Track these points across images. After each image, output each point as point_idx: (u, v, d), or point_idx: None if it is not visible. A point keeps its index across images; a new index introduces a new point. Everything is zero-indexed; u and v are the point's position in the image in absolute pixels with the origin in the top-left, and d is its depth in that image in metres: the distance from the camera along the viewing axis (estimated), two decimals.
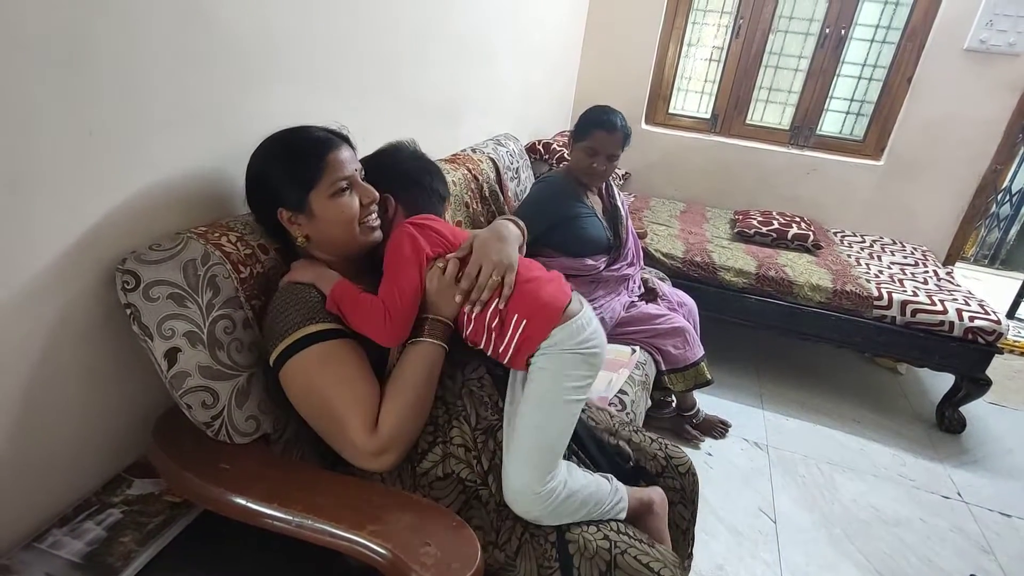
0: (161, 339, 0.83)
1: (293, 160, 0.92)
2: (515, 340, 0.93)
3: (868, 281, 2.29)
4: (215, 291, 0.89)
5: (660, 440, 1.18)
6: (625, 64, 3.22)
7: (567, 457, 1.01)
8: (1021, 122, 2.70)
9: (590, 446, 1.09)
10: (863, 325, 2.21)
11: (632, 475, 1.11)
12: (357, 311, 0.90)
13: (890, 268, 2.55)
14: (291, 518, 0.79)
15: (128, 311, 0.82)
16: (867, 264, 2.56)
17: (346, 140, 0.99)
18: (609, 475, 1.02)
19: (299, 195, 0.92)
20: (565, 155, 1.80)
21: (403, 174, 1.09)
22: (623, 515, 0.99)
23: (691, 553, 1.20)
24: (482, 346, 0.97)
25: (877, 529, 1.75)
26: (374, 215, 1.00)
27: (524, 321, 0.92)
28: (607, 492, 0.97)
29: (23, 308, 0.77)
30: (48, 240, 0.78)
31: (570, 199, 1.74)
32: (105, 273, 0.85)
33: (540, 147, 2.58)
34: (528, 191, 1.90)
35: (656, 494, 1.07)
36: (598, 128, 1.67)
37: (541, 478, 0.89)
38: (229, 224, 0.98)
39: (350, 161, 0.95)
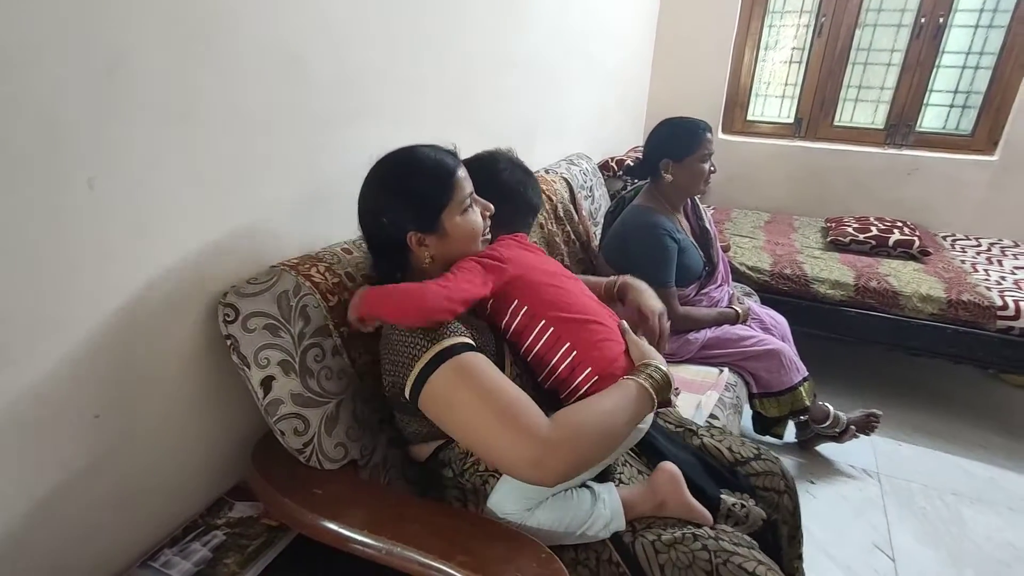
0: (257, 368, 0.87)
1: (425, 182, 0.91)
2: (579, 392, 0.92)
3: (989, 289, 2.06)
4: (306, 320, 0.92)
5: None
6: (699, 73, 3.13)
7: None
8: None
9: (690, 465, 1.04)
10: (986, 338, 1.98)
11: (730, 473, 1.07)
12: (392, 294, 0.85)
13: (1014, 273, 2.28)
14: (381, 545, 0.79)
15: (228, 341, 0.87)
16: (986, 270, 2.30)
17: (457, 157, 0.97)
18: (597, 490, 0.92)
19: (432, 216, 0.91)
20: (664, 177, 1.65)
21: (498, 188, 1.08)
22: (617, 527, 0.90)
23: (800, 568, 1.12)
24: (540, 379, 0.98)
25: (1019, 571, 1.54)
26: (488, 227, 1.00)
27: (595, 378, 0.91)
28: (580, 504, 0.90)
29: (142, 340, 0.83)
30: (164, 277, 0.84)
31: (675, 231, 1.67)
32: (208, 306, 0.91)
33: (613, 164, 2.54)
34: (632, 236, 1.68)
35: (663, 486, 0.94)
36: (704, 132, 1.65)
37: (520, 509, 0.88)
38: (319, 255, 1.02)
39: (467, 178, 0.95)
